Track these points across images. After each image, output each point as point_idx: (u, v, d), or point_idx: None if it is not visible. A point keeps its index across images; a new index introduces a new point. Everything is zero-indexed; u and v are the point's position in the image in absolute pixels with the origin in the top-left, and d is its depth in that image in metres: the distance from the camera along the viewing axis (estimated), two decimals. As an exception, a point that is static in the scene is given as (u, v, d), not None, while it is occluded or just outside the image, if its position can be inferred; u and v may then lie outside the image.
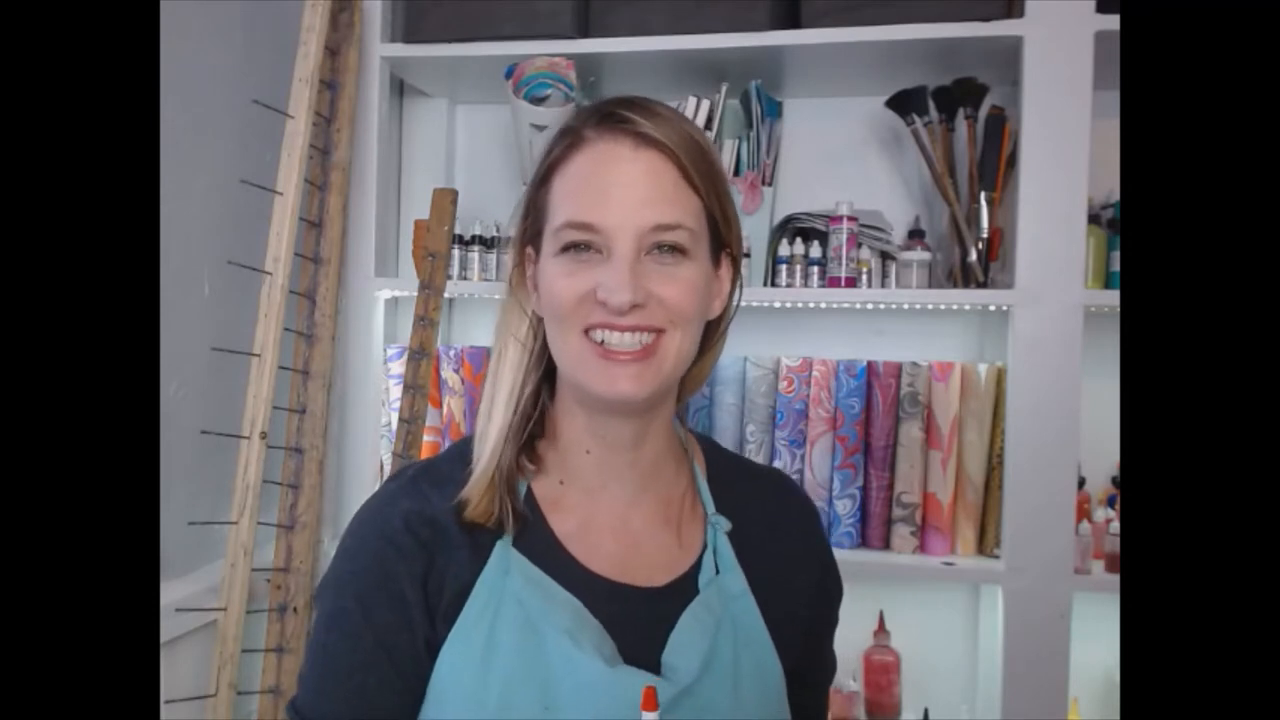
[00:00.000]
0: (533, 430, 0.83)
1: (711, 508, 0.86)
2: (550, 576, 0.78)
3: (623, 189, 0.75)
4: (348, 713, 0.75)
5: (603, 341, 0.76)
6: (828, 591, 0.92)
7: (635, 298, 0.74)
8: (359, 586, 0.77)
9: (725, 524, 0.85)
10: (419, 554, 0.77)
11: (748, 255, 1.70)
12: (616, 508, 0.83)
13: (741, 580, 0.84)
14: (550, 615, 0.76)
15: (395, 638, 0.76)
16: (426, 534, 0.78)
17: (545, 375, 0.84)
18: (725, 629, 0.81)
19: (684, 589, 0.82)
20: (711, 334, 0.86)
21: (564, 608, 0.77)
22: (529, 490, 0.82)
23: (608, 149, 0.76)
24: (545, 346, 0.82)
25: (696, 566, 0.83)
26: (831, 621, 0.93)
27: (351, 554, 0.79)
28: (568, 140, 0.78)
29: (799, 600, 0.88)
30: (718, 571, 0.83)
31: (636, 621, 0.79)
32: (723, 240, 0.82)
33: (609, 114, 0.77)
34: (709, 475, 0.89)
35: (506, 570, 0.77)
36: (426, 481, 0.81)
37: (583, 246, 0.76)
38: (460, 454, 0.83)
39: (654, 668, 0.78)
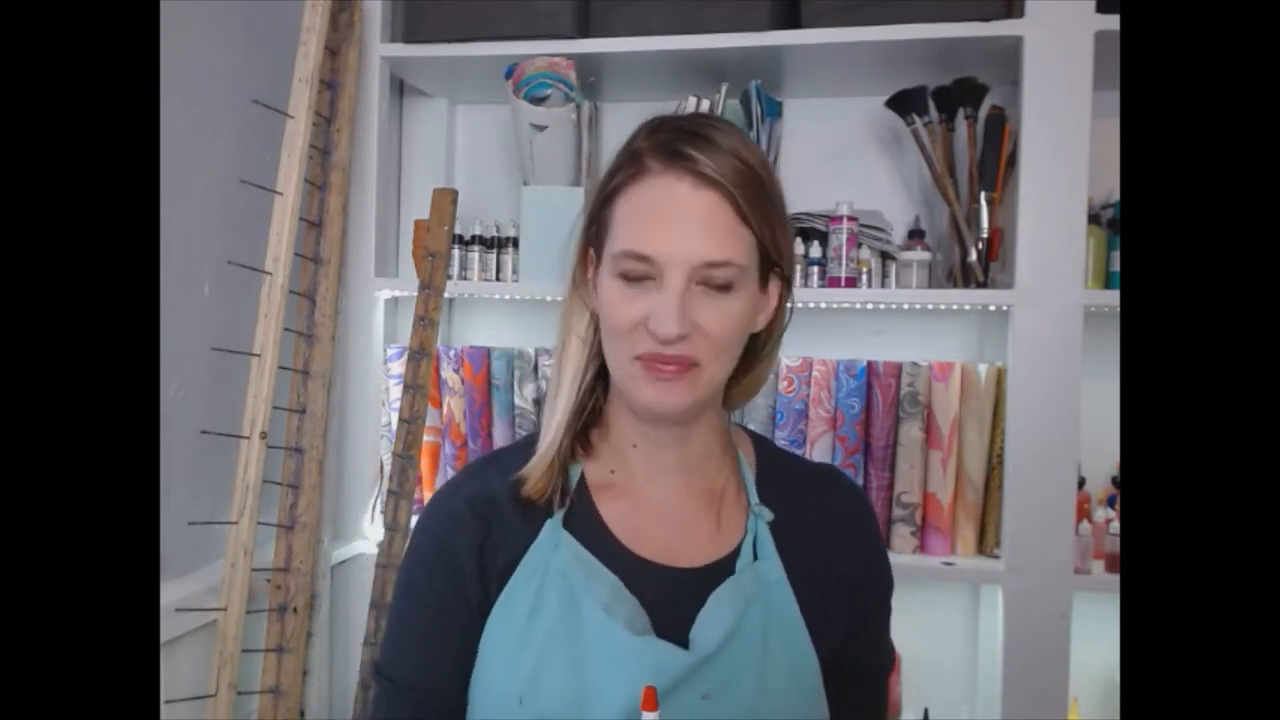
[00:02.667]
0: (588, 419, 0.90)
1: (755, 499, 0.90)
2: (595, 556, 0.85)
3: (679, 226, 0.79)
4: (419, 668, 0.86)
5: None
6: (876, 583, 0.94)
7: (682, 329, 0.78)
8: (425, 557, 0.88)
9: (767, 514, 0.89)
10: (478, 526, 0.86)
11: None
12: (662, 495, 0.89)
13: (779, 568, 0.87)
14: (589, 588, 0.83)
15: (453, 603, 0.86)
16: (485, 509, 0.87)
17: (602, 368, 0.89)
18: (756, 608, 0.84)
19: (721, 571, 0.86)
20: (758, 343, 0.89)
21: (603, 583, 0.83)
22: (582, 475, 0.89)
23: (668, 185, 0.80)
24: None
25: (736, 553, 0.87)
26: (883, 611, 0.95)
27: (421, 531, 0.90)
28: (634, 168, 0.82)
29: (842, 594, 0.89)
30: (756, 558, 0.87)
31: (674, 599, 0.84)
32: (772, 262, 0.84)
33: (673, 150, 0.80)
34: (757, 473, 0.93)
35: (556, 546, 0.85)
36: (491, 467, 0.91)
37: (637, 274, 0.80)
38: (526, 445, 0.90)
39: (685, 643, 0.82)
